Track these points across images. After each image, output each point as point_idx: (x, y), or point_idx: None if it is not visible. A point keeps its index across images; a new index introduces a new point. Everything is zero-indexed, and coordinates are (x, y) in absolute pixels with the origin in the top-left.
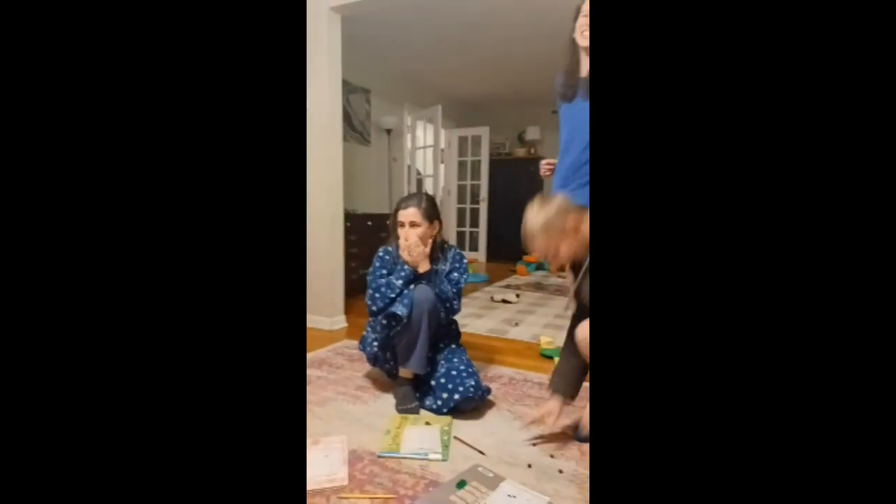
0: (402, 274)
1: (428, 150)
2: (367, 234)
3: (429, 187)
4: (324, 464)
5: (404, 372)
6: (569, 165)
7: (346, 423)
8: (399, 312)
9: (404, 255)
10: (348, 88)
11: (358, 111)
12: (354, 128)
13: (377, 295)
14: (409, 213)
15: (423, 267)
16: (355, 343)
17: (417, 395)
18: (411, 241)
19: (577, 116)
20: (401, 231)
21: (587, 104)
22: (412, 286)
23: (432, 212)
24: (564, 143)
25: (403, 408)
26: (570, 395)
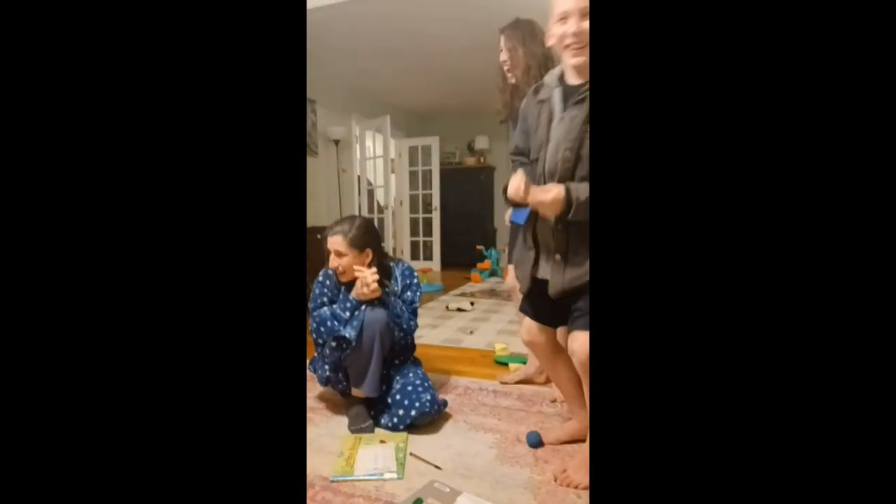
0: (348, 305)
1: (378, 160)
2: (316, 248)
3: (380, 198)
4: None
5: (356, 391)
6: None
7: None
8: (347, 335)
9: (360, 296)
10: None
11: None
12: None
13: (322, 329)
14: (335, 242)
15: (374, 296)
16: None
17: (372, 413)
18: (371, 287)
19: None
20: (331, 259)
21: None
22: (363, 307)
23: (362, 240)
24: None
25: (356, 427)
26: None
